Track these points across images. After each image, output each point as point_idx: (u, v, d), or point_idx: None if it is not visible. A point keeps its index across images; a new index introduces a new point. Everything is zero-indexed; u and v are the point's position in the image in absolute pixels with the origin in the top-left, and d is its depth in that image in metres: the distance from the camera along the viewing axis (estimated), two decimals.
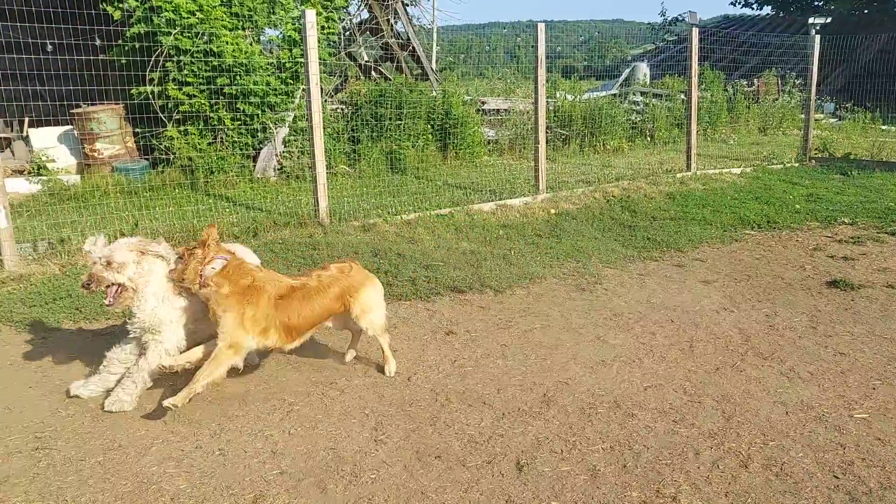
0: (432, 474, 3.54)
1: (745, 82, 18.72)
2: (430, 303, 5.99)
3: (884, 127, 17.69)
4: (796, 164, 12.01)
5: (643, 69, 18.59)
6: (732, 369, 4.69)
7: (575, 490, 3.41)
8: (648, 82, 17.91)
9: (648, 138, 14.68)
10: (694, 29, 11.21)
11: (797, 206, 9.14)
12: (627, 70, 18.46)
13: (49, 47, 10.42)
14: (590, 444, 3.80)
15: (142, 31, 10.08)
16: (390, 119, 11.63)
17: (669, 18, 33.26)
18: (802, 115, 13.82)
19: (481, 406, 4.22)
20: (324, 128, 8.28)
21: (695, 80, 11.20)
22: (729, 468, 3.57)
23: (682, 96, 14.93)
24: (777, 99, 18.21)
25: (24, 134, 11.61)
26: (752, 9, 33.24)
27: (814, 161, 12.25)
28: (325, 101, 11.82)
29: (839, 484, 3.43)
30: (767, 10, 32.48)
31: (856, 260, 7.05)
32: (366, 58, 14.29)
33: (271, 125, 10.86)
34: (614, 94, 15.74)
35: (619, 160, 12.61)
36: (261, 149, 10.90)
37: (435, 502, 3.32)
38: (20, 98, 10.09)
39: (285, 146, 11.00)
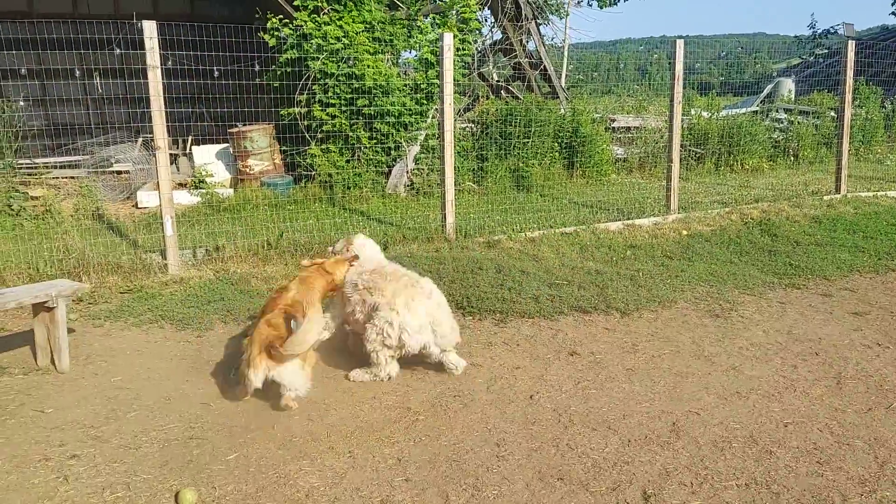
0: (554, 496, 3.44)
1: None
2: (553, 321, 5.87)
3: None
4: None
5: (788, 84, 17.55)
6: (888, 411, 4.28)
7: None
8: (794, 98, 16.88)
9: (792, 158, 13.81)
10: (850, 41, 10.44)
11: None
12: (770, 85, 17.49)
13: (216, 73, 11.35)
14: (723, 480, 3.56)
15: (293, 57, 10.72)
16: (518, 137, 11.63)
17: (820, 31, 31.32)
18: None
19: (605, 430, 4.07)
20: (454, 146, 8.41)
21: (849, 95, 10.43)
22: None
23: (832, 113, 13.96)
24: None
25: (188, 151, 12.64)
26: None
27: None
28: (456, 119, 11.97)
29: None
30: None
31: None
32: (496, 77, 14.38)
33: (404, 143, 11.15)
34: (755, 111, 14.94)
35: (758, 180, 11.93)
36: (393, 166, 11.22)
37: None
38: (187, 119, 11.02)
39: (416, 163, 11.25)
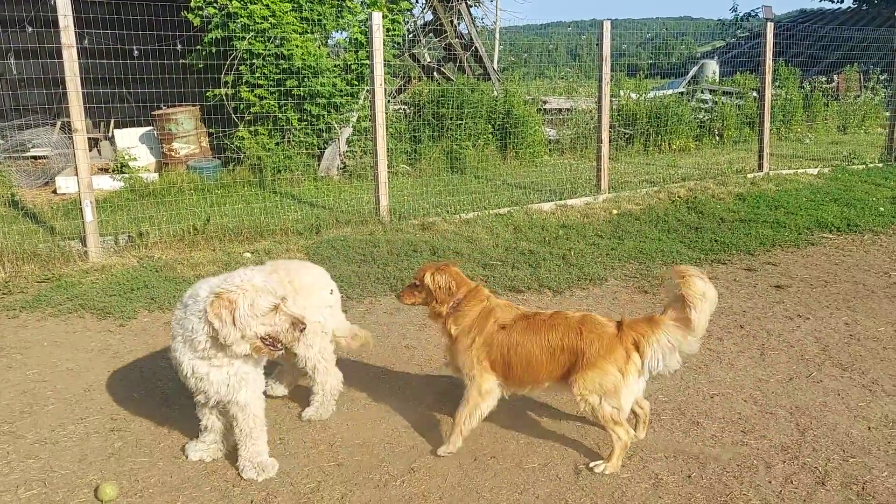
0: (488, 474, 3.44)
1: (825, 79, 17.89)
2: None
3: None
4: (880, 165, 11.36)
5: (712, 66, 18.00)
6: (808, 380, 4.44)
7: (635, 499, 3.25)
8: (718, 80, 17.33)
9: (717, 138, 14.20)
10: (769, 23, 10.75)
11: (881, 208, 8.65)
12: (695, 68, 17.89)
13: (136, 52, 10.89)
14: (651, 452, 3.63)
15: (218, 37, 10.37)
16: (451, 119, 11.59)
17: (741, 14, 32.25)
18: (887, 113, 13.07)
19: (538, 408, 4.09)
20: (386, 128, 8.32)
21: (769, 76, 10.76)
22: (804, 484, 3.35)
23: (754, 94, 14.38)
24: (859, 96, 17.32)
25: (110, 134, 12.17)
26: (833, 2, 31.95)
27: None
28: (388, 101, 11.85)
29: None
30: (849, 2, 31.14)
31: None
32: (428, 59, 14.27)
33: (336, 125, 10.97)
34: (681, 93, 15.28)
35: (685, 160, 12.22)
36: (325, 148, 11.03)
37: (491, 503, 3.23)
38: (108, 100, 10.57)
39: (349, 146, 11.09)
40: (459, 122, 11.65)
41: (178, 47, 10.75)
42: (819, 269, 6.65)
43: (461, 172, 11.19)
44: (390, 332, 5.30)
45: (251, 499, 3.28)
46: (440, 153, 11.44)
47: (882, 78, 17.12)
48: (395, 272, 6.45)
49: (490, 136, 12.08)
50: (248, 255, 7.06)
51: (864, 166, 11.15)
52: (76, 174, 6.92)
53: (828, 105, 16.25)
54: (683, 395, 4.26)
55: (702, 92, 15.56)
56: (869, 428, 3.83)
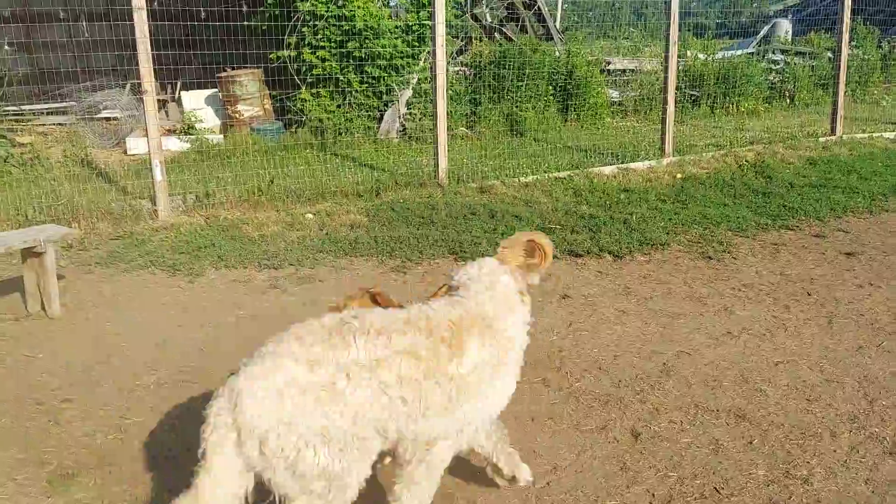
0: (545, 434, 3.47)
1: None
2: None
3: None
4: None
5: (784, 26, 17.20)
6: (878, 349, 4.30)
7: (695, 463, 3.24)
8: (791, 39, 16.58)
9: (788, 100, 13.65)
10: None
11: None
12: (767, 27, 17.14)
13: (203, 14, 11.05)
14: (712, 418, 3.59)
15: None
16: (511, 81, 11.43)
17: None
18: None
19: (597, 371, 4.09)
20: (446, 90, 8.27)
21: (845, 35, 10.22)
22: (871, 454, 3.27)
23: (829, 54, 13.73)
24: None
25: (177, 96, 12.46)
26: None
27: None
28: (448, 63, 11.76)
29: None
30: None
31: None
32: (489, 19, 14.05)
33: (396, 87, 10.96)
34: (751, 53, 14.68)
35: (754, 123, 11.80)
36: (385, 111, 11.05)
37: (548, 462, 3.25)
38: (175, 62, 10.82)
39: (408, 108, 11.07)
40: (520, 83, 11.48)
41: (244, 9, 10.86)
42: (893, 237, 6.39)
43: (521, 135, 11.06)
44: None
45: None
46: (500, 116, 11.32)
47: None
48: (454, 235, 6.47)
49: (551, 97, 11.87)
50: (311, 215, 7.18)
51: None
52: (146, 135, 7.12)
53: None
54: (747, 361, 4.19)
55: (773, 52, 14.94)
56: None
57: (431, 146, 8.53)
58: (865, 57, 14.57)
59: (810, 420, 3.56)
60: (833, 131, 10.23)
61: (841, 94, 10.27)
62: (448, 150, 8.36)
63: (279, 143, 10.40)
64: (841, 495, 3.01)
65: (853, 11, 10.55)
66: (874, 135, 10.21)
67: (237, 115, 11.25)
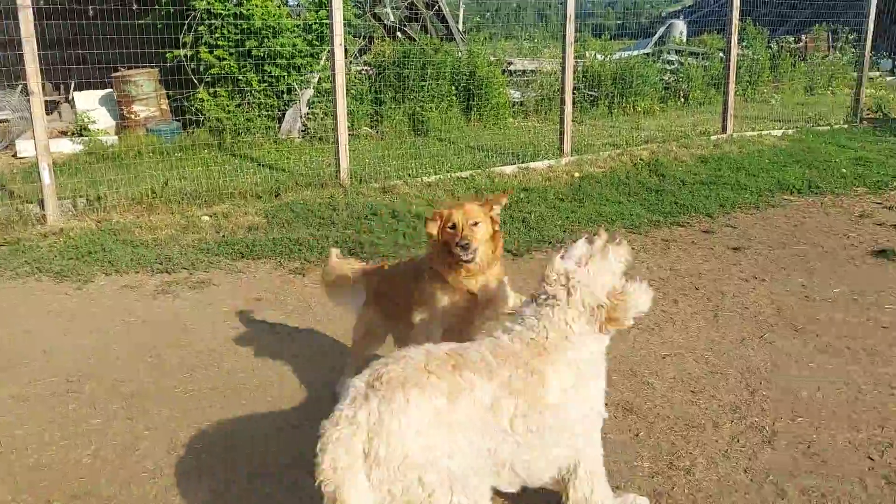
0: None
1: (792, 38, 17.84)
2: None
3: None
4: (845, 126, 11.41)
5: (679, 27, 17.87)
6: (761, 341, 4.46)
7: None
8: (685, 40, 17.23)
9: (682, 100, 14.16)
10: None
11: (843, 170, 8.66)
12: (662, 28, 17.76)
13: (91, 12, 10.52)
14: None
15: None
16: (414, 80, 11.39)
17: None
18: (855, 73, 13.03)
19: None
20: (347, 89, 8.16)
21: (734, 36, 10.64)
22: (751, 443, 3.37)
23: (721, 54, 14.33)
24: (826, 56, 17.25)
25: (70, 97, 11.84)
26: None
27: (865, 122, 11.63)
28: (350, 62, 11.63)
29: (874, 466, 3.20)
30: None
31: None
32: (391, 18, 13.97)
33: (297, 87, 10.75)
34: (647, 54, 15.17)
35: (649, 122, 12.17)
36: (286, 110, 10.82)
37: None
38: (67, 62, 10.27)
39: (310, 108, 10.87)
40: (423, 83, 11.46)
41: (134, 6, 10.39)
42: (778, 232, 6.68)
43: (424, 135, 11.04)
44: None
45: None
46: (403, 116, 11.26)
47: (850, 38, 17.00)
48: (355, 235, 6.37)
49: (454, 98, 11.91)
50: (207, 217, 6.92)
51: (829, 128, 11.21)
52: (34, 137, 6.77)
53: (795, 65, 16.16)
54: (637, 355, 4.26)
55: (668, 53, 15.48)
56: (818, 389, 3.87)
57: (333, 146, 8.38)
58: (755, 57, 15.26)
59: (694, 411, 3.65)
60: (724, 130, 10.66)
61: (731, 93, 10.71)
62: (350, 150, 8.25)
63: (176, 143, 10.01)
64: (721, 484, 3.08)
65: (743, 13, 11.00)
66: (763, 133, 10.71)
67: (132, 116, 10.79)
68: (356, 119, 10.76)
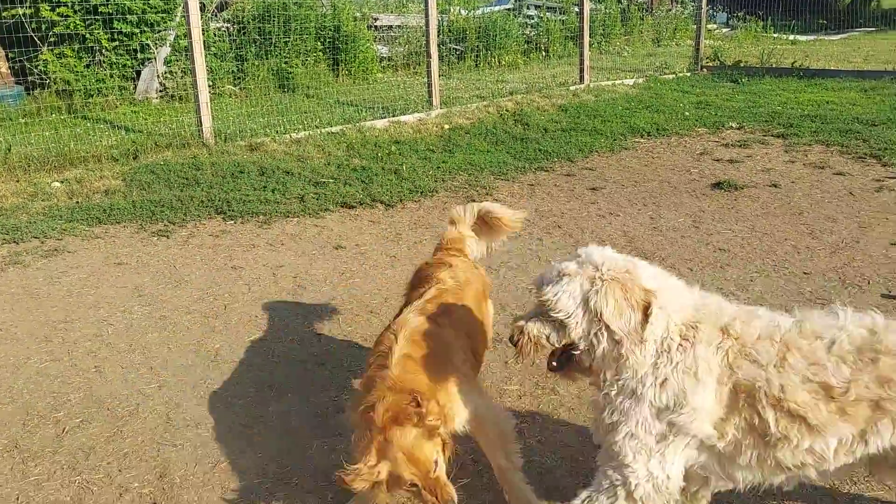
0: (319, 378, 3.51)
1: None
2: (319, 219, 5.86)
3: (775, 35, 18.19)
4: (688, 74, 12.25)
5: None
6: None
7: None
8: None
9: (543, 53, 14.64)
10: None
11: (686, 113, 9.33)
12: None
13: None
14: None
15: None
16: (278, 36, 11.11)
17: None
18: (694, 26, 13.99)
19: (368, 315, 4.20)
20: (207, 46, 7.87)
21: None
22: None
23: (577, 9, 14.87)
24: (670, 10, 18.36)
25: None
26: None
27: (705, 70, 12.51)
28: (210, 18, 11.16)
29: None
30: None
31: (741, 162, 7.27)
32: None
33: (151, 45, 10.20)
34: (508, 9, 15.50)
35: (513, 75, 12.54)
36: (141, 70, 10.27)
37: (330, 404, 3.31)
38: None
39: (167, 66, 10.37)
40: (287, 39, 11.20)
41: None
42: (631, 171, 7.15)
43: (291, 92, 10.84)
44: (216, 254, 5.16)
45: None
46: (268, 72, 10.99)
47: None
48: (221, 194, 6.25)
49: (320, 53, 11.73)
50: (58, 184, 6.55)
51: (674, 76, 11.98)
52: None
53: (643, 19, 17.13)
54: (504, 291, 4.51)
55: (527, 8, 15.86)
56: None
57: (194, 105, 8.08)
58: (607, 11, 15.98)
59: None
60: (581, 80, 11.16)
61: (586, 45, 11.20)
62: (214, 109, 8.05)
63: (20, 109, 9.27)
64: (580, 400, 3.38)
65: None
66: (616, 82, 11.30)
67: None
68: (218, 77, 10.41)
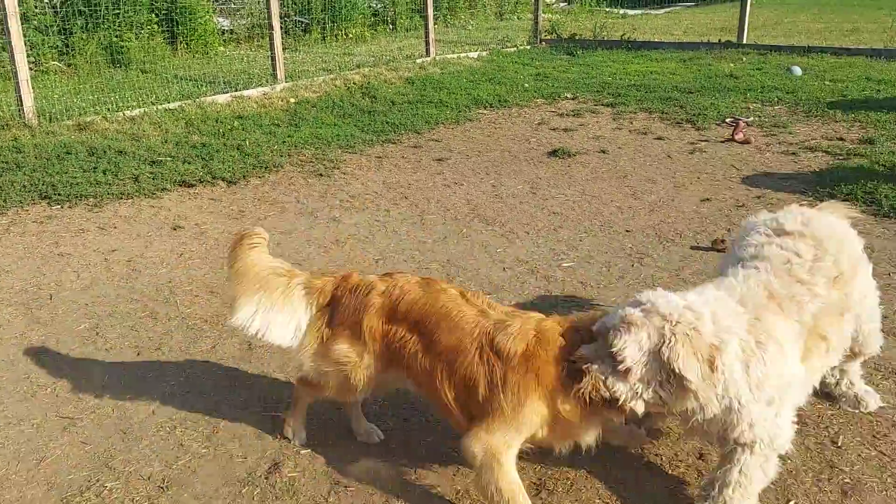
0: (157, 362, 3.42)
1: None
2: (155, 199, 5.63)
3: (607, 9, 19.18)
4: (528, 47, 12.71)
5: None
6: (459, 236, 4.99)
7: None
8: None
9: (390, 26, 14.64)
10: None
11: (526, 84, 9.72)
12: None
13: None
14: None
15: None
16: (107, 8, 10.40)
17: None
18: (533, 0, 14.49)
19: (208, 295, 4.11)
20: (27, 19, 7.25)
21: None
22: None
23: None
24: None
25: None
26: None
27: (544, 43, 13.02)
28: None
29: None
30: None
31: (574, 131, 7.68)
32: None
33: None
34: None
35: (361, 48, 12.48)
36: None
37: (172, 389, 3.23)
38: None
39: None
40: (117, 11, 10.52)
41: None
42: (474, 142, 7.37)
43: (125, 67, 10.23)
44: (41, 241, 4.85)
45: None
46: (98, 46, 10.28)
47: None
48: (46, 178, 5.85)
49: (155, 26, 11.12)
50: None
51: (515, 49, 12.38)
52: None
53: None
54: (352, 263, 4.55)
55: None
56: (504, 269, 4.47)
57: (13, 82, 7.45)
58: None
59: None
60: (427, 53, 11.30)
61: (430, 19, 11.34)
62: (37, 86, 7.49)
63: None
64: None
65: None
66: (461, 55, 11.52)
67: None
68: (41, 52, 9.63)
